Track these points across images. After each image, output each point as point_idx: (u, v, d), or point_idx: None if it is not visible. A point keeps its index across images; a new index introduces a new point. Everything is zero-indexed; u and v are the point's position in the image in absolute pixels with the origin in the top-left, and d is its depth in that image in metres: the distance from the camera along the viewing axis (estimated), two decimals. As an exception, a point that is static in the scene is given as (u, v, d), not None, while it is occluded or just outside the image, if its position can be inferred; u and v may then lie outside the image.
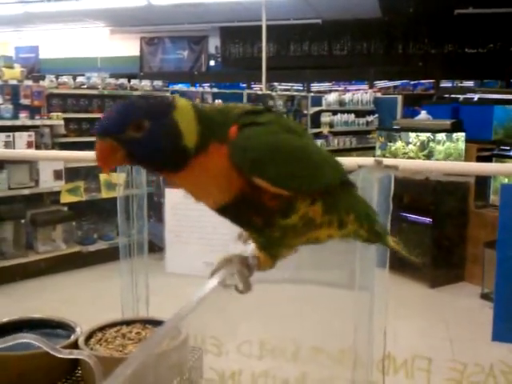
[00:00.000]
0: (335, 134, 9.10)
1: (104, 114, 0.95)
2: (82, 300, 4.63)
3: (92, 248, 5.88)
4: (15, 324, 1.65)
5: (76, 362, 1.50)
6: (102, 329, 1.63)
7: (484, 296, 4.81)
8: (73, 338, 1.54)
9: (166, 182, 1.11)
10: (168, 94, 6.91)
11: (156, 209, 5.03)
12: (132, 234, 2.11)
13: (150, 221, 2.18)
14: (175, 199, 1.80)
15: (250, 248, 1.10)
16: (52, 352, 1.32)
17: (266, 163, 0.96)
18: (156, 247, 2.93)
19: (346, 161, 1.70)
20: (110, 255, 5.87)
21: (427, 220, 5.30)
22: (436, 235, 5.28)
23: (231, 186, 0.97)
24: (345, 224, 1.10)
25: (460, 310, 4.58)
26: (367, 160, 1.51)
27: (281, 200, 0.99)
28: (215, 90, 7.97)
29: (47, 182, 5.63)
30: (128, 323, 1.68)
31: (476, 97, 6.84)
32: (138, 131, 0.90)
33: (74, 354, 1.36)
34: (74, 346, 1.50)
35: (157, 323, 1.68)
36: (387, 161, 1.49)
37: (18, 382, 1.43)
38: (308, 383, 1.73)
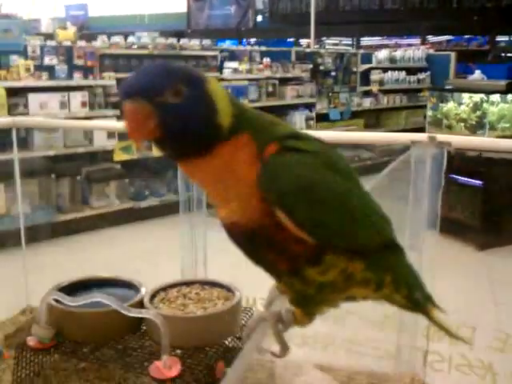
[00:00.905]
0: (385, 92, 8.94)
1: (132, 74, 0.84)
2: (136, 253, 4.85)
3: (144, 204, 6.09)
4: (84, 282, 1.80)
5: (141, 319, 1.64)
6: (164, 289, 1.76)
7: (533, 260, 4.77)
8: (138, 297, 1.67)
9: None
10: (217, 53, 6.95)
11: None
12: (190, 192, 2.15)
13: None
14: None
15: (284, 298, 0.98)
16: (123, 311, 1.44)
17: (294, 199, 0.82)
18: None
19: (400, 136, 1.75)
20: (160, 211, 6.09)
21: (478, 182, 5.24)
22: (486, 198, 5.22)
23: (251, 200, 0.84)
24: (382, 286, 0.97)
25: (507, 273, 4.57)
26: (420, 136, 1.54)
27: (309, 247, 0.86)
28: (263, 48, 7.90)
29: (101, 140, 5.82)
30: (188, 284, 1.80)
31: (534, 55, 6.58)
32: (175, 96, 0.80)
33: (143, 314, 1.48)
34: (140, 304, 1.64)
35: (214, 284, 1.80)
36: (440, 137, 1.51)
37: (91, 335, 1.58)
38: (355, 345, 1.83)
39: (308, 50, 8.52)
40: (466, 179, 5.31)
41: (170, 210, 6.12)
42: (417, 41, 13.21)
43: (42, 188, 5.48)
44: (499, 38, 12.60)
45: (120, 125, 2.85)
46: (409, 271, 1.05)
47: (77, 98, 5.70)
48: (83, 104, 5.75)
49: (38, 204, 5.38)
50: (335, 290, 0.92)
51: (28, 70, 5.45)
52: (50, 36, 6.57)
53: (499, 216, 5.28)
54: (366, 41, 15.30)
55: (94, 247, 5.08)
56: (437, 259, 1.82)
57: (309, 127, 7.54)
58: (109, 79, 5.96)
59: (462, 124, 5.58)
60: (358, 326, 1.61)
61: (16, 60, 5.45)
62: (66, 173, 5.70)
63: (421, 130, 7.47)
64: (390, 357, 1.73)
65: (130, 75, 0.85)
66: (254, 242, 0.87)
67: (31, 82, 5.38)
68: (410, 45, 12.42)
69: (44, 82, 5.49)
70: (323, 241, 0.86)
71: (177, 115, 0.81)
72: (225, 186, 0.86)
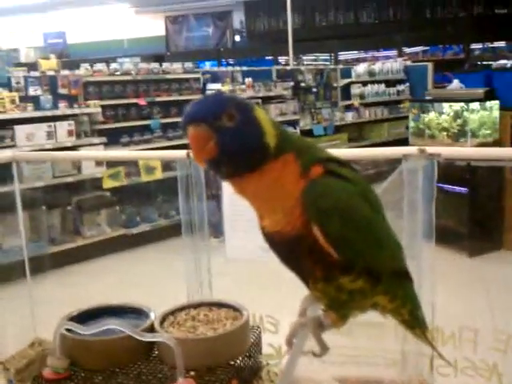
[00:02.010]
0: (366, 105, 9.08)
1: (191, 104, 0.95)
2: (133, 280, 4.85)
3: (135, 230, 6.09)
4: (93, 311, 1.82)
5: (153, 344, 1.66)
6: (173, 313, 1.79)
7: (523, 262, 4.87)
8: (148, 322, 1.70)
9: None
10: (199, 76, 7.04)
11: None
12: (192, 214, 2.15)
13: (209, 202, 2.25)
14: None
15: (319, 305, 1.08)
16: (137, 336, 1.48)
17: (329, 217, 0.94)
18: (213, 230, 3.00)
19: (390, 150, 1.81)
20: (153, 237, 6.11)
21: (463, 189, 5.34)
22: (472, 204, 5.32)
23: (294, 212, 0.95)
24: (396, 297, 1.10)
25: (500, 278, 4.64)
26: (411, 149, 1.61)
27: (337, 260, 0.97)
28: (244, 68, 8.02)
29: (89, 168, 5.82)
30: (195, 306, 1.83)
31: (509, 63, 6.74)
32: (230, 120, 0.92)
33: (157, 337, 1.51)
34: (151, 329, 1.67)
35: (221, 305, 1.83)
36: (430, 149, 1.58)
37: (105, 363, 1.60)
38: (360, 357, 1.87)
39: (288, 68, 8.65)
40: (451, 187, 5.41)
41: (162, 235, 6.15)
42: (393, 53, 13.46)
43: (33, 220, 5.46)
44: (474, 46, 12.89)
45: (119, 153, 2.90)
46: (414, 294, 1.18)
47: (63, 128, 5.72)
48: (70, 133, 5.77)
49: (29, 237, 5.35)
50: (364, 296, 1.04)
51: (13, 101, 5.47)
52: (31, 65, 6.60)
53: (486, 222, 5.37)
54: (344, 55, 15.54)
55: (90, 277, 5.07)
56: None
57: (294, 144, 7.63)
58: (94, 107, 6.00)
59: (445, 133, 5.69)
60: (361, 336, 1.67)
61: (0, 92, 5.47)
62: (57, 203, 5.69)
63: (404, 140, 7.59)
64: (397, 365, 1.79)
65: (190, 105, 0.96)
66: (294, 250, 0.98)
67: (17, 114, 5.40)
68: (387, 57, 12.66)
69: (30, 113, 5.51)
70: (346, 258, 0.98)
71: (231, 136, 0.92)
72: (272, 199, 0.97)
